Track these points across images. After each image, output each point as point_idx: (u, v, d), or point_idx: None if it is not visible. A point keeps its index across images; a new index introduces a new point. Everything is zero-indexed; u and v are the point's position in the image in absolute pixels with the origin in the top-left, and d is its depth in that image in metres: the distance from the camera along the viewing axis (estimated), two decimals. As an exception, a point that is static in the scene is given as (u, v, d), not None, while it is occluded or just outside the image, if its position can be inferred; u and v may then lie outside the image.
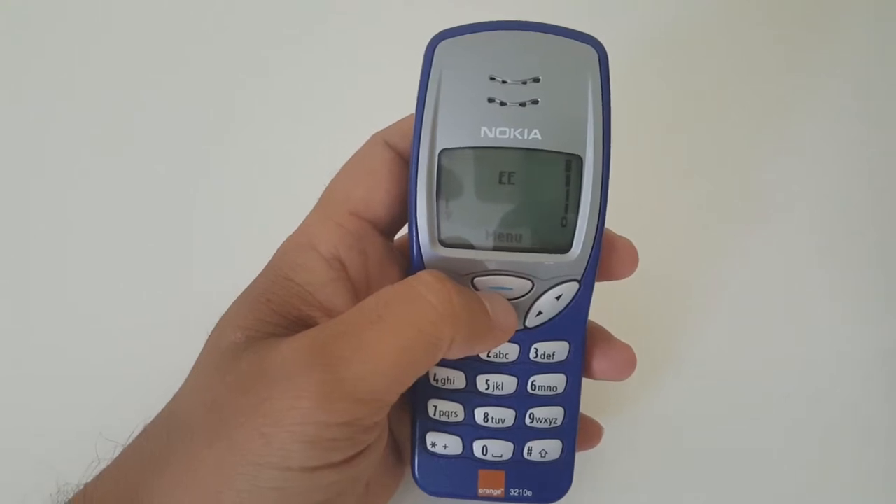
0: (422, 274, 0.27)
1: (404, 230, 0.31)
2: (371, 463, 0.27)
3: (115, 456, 0.26)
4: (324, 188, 0.30)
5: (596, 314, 0.31)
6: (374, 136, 0.30)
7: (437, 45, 0.28)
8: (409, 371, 0.26)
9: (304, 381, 0.24)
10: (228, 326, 0.27)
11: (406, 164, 0.29)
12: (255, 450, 0.24)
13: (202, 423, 0.25)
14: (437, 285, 0.26)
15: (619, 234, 0.31)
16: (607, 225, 0.29)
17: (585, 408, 0.32)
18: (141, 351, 0.38)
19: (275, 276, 0.29)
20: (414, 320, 0.25)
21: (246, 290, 0.29)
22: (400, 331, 0.25)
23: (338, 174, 0.30)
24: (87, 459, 0.27)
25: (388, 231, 0.31)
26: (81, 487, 0.26)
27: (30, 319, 0.41)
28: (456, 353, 0.27)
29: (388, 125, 0.30)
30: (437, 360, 0.26)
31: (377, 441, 0.27)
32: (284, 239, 0.30)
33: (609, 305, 0.32)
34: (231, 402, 0.25)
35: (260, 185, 0.44)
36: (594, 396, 0.33)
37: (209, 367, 0.27)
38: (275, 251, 0.30)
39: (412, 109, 0.28)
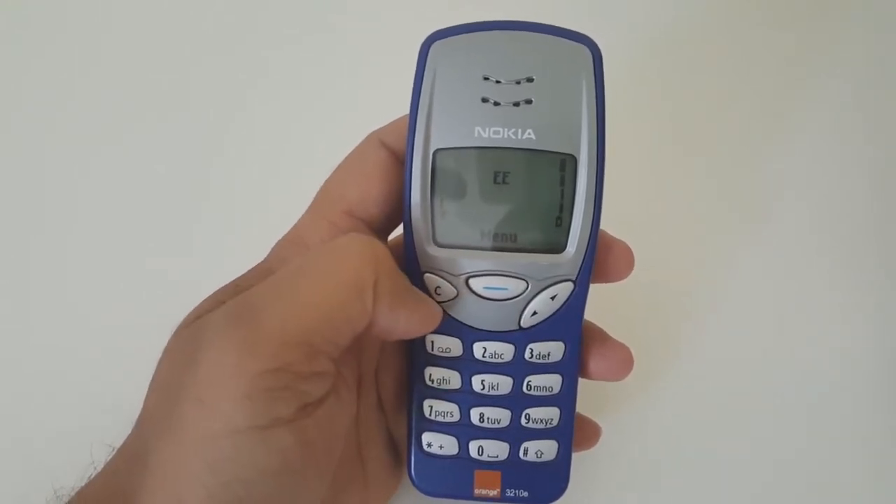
0: (349, 233, 0.27)
1: (399, 230, 0.31)
2: (326, 429, 0.26)
3: (109, 459, 0.26)
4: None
5: (594, 316, 0.31)
6: (369, 136, 0.30)
7: (430, 46, 0.28)
8: (334, 312, 0.25)
9: (227, 336, 0.24)
10: (192, 313, 0.27)
11: (401, 163, 0.29)
12: (198, 421, 0.23)
13: (156, 412, 0.25)
14: (360, 238, 0.26)
15: (617, 234, 0.31)
16: (604, 227, 0.29)
17: (583, 408, 0.32)
18: (141, 351, 0.38)
19: (258, 269, 0.29)
20: (335, 267, 0.25)
21: None
22: (321, 276, 0.25)
23: (333, 173, 0.30)
24: (83, 462, 0.27)
25: (382, 230, 0.30)
26: (76, 491, 0.25)
27: (29, 319, 0.41)
28: (385, 309, 0.26)
29: (384, 124, 0.30)
30: (367, 304, 0.25)
31: (331, 403, 0.26)
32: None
33: (606, 307, 0.32)
34: (173, 380, 0.25)
35: (260, 185, 0.44)
36: (592, 397, 0.33)
37: (161, 355, 0.26)
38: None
39: (409, 109, 0.28)
